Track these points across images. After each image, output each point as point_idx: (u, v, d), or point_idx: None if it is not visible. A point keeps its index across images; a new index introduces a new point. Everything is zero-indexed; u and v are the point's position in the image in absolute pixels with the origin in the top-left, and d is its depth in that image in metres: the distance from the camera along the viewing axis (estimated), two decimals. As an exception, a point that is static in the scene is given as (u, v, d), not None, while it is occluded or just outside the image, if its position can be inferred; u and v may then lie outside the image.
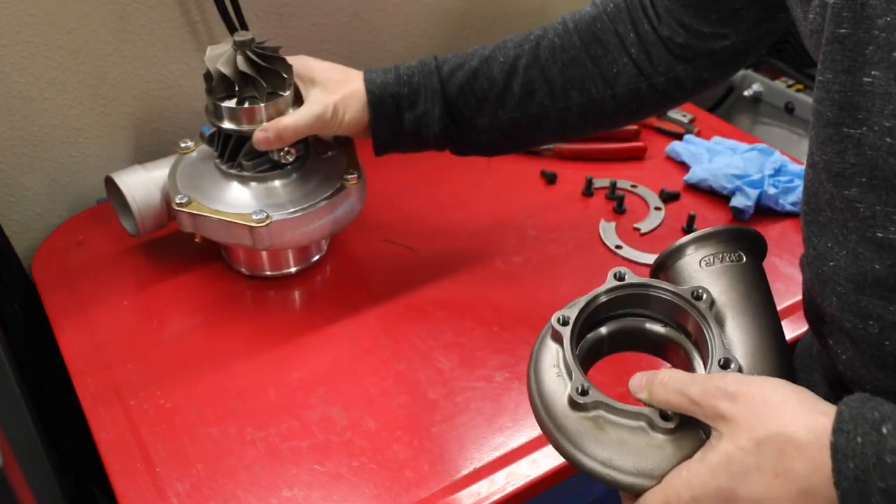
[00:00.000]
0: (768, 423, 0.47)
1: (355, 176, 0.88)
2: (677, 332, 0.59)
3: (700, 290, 0.57)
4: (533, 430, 0.74)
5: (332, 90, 0.81)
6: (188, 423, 0.75)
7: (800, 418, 0.46)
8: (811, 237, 0.56)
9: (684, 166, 1.09)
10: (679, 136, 1.15)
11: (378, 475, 0.70)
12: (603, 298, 0.58)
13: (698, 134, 1.16)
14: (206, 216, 0.84)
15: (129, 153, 1.09)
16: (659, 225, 1.00)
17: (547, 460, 0.72)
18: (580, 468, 0.53)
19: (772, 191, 1.00)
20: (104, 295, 0.90)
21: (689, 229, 0.98)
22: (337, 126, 0.81)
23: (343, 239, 0.98)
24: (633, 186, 1.06)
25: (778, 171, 1.03)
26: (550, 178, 1.08)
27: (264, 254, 0.91)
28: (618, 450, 0.52)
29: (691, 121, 1.19)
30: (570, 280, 0.92)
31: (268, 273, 0.93)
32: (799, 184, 1.01)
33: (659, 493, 0.51)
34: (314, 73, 0.82)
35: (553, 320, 0.56)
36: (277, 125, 0.81)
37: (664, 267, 0.62)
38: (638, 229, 0.99)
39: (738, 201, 1.00)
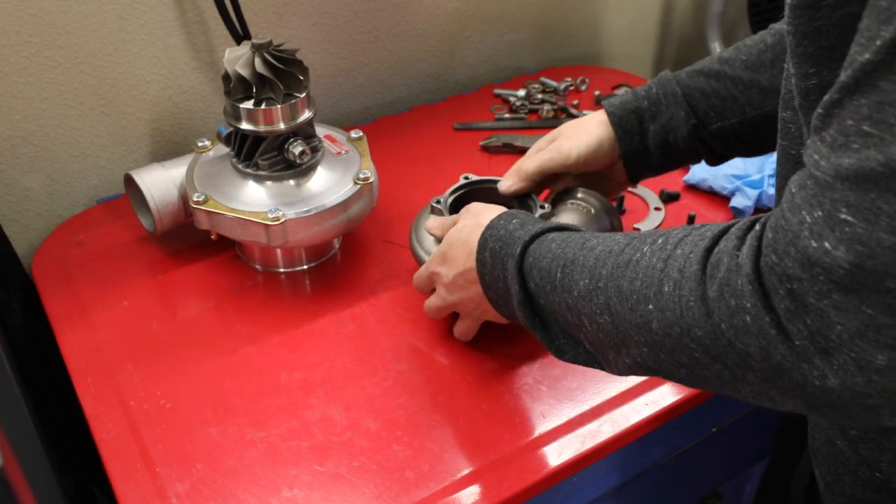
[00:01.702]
0: (484, 214, 0.72)
1: (368, 176, 0.89)
2: None
3: (548, 205, 0.85)
4: (533, 430, 0.74)
5: (565, 134, 0.85)
6: (188, 423, 0.75)
7: (499, 211, 0.72)
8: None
9: (684, 166, 1.09)
10: (679, 137, 1.15)
11: (378, 475, 0.70)
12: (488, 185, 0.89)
13: (698, 134, 1.15)
14: (222, 214, 0.86)
15: (129, 153, 1.09)
16: (659, 225, 1.00)
17: (547, 460, 0.72)
18: (411, 243, 0.86)
19: (771, 191, 1.00)
20: (104, 295, 0.90)
21: (688, 229, 0.99)
22: (574, 159, 0.83)
23: (344, 238, 0.98)
24: (633, 187, 1.06)
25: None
26: (550, 179, 1.08)
27: (278, 251, 0.93)
28: (434, 245, 0.83)
29: (691, 121, 1.19)
30: (569, 280, 0.92)
31: (280, 270, 0.94)
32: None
33: (426, 264, 0.79)
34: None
35: (432, 201, 0.86)
36: (519, 171, 0.86)
37: (554, 202, 0.87)
38: (638, 230, 0.99)
39: (737, 202, 1.00)
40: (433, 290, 0.80)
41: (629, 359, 0.55)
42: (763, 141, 0.81)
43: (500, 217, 0.70)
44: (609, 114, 0.82)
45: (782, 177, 0.60)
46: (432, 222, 0.83)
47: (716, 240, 0.49)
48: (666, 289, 0.49)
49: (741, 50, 0.80)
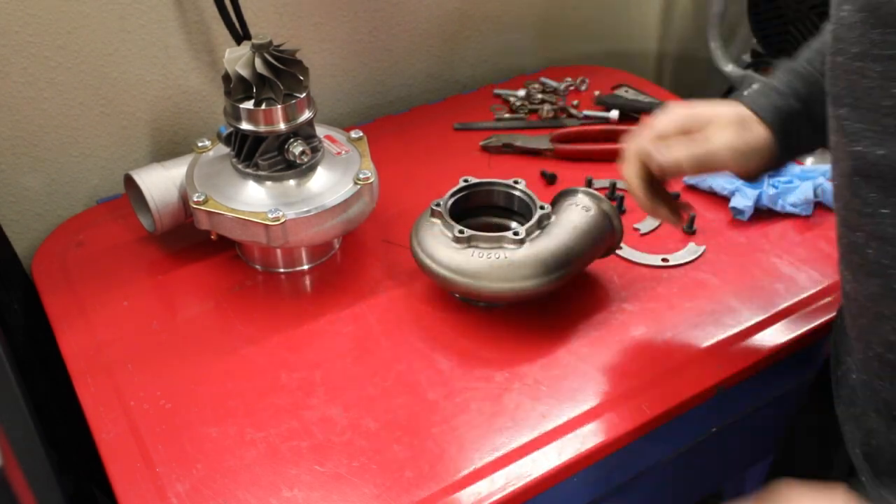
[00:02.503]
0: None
1: (368, 176, 0.89)
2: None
3: (548, 206, 0.86)
4: (533, 430, 0.74)
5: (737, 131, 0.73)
6: (188, 423, 0.75)
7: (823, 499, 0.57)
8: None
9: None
10: (679, 137, 1.15)
11: (378, 475, 0.70)
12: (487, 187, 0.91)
13: (698, 134, 1.15)
14: (222, 214, 0.86)
15: (129, 153, 1.09)
16: (659, 225, 1.00)
17: (547, 460, 0.72)
18: (411, 245, 0.85)
19: (771, 191, 1.00)
20: (104, 295, 0.90)
21: (688, 230, 0.98)
22: (720, 164, 0.74)
23: (345, 238, 0.98)
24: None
25: (777, 172, 1.03)
26: (550, 179, 1.08)
27: (278, 251, 0.93)
28: (434, 248, 0.83)
29: (691, 121, 1.19)
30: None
31: (280, 270, 0.94)
32: (799, 184, 1.01)
33: None
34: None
35: (432, 204, 0.86)
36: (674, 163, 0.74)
37: (554, 203, 0.88)
38: (638, 230, 0.99)
39: (737, 202, 1.00)
40: None
41: None
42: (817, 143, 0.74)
43: None
44: (769, 123, 0.72)
45: (839, 170, 0.57)
46: None
47: None
48: None
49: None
